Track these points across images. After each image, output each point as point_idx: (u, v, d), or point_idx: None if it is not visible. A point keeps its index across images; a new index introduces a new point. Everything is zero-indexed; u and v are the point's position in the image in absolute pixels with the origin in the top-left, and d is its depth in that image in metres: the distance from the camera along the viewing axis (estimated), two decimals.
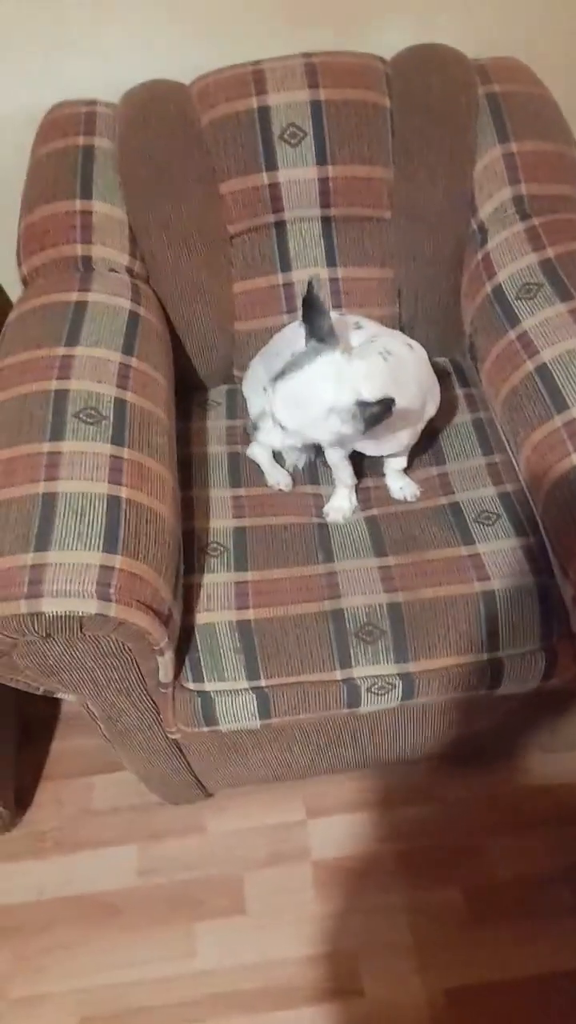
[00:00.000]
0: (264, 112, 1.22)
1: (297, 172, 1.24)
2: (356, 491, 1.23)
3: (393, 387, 1.01)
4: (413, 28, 1.31)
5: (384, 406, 0.94)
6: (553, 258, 1.16)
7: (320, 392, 0.99)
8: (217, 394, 1.43)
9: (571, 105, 1.31)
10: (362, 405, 0.96)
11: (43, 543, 0.90)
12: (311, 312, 1.00)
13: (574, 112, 1.31)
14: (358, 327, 1.15)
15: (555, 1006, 1.18)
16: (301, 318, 1.03)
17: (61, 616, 0.88)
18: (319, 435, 1.05)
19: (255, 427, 1.27)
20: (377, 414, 0.95)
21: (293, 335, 1.20)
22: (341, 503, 1.21)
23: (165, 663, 1.01)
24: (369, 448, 1.15)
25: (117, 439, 1.02)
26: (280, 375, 1.02)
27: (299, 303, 1.33)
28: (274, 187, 1.25)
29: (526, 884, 1.30)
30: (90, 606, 0.88)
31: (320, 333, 1.00)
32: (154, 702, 1.08)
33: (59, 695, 1.08)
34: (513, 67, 1.30)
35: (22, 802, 1.45)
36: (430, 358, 1.16)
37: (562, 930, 1.25)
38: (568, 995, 1.19)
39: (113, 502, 0.95)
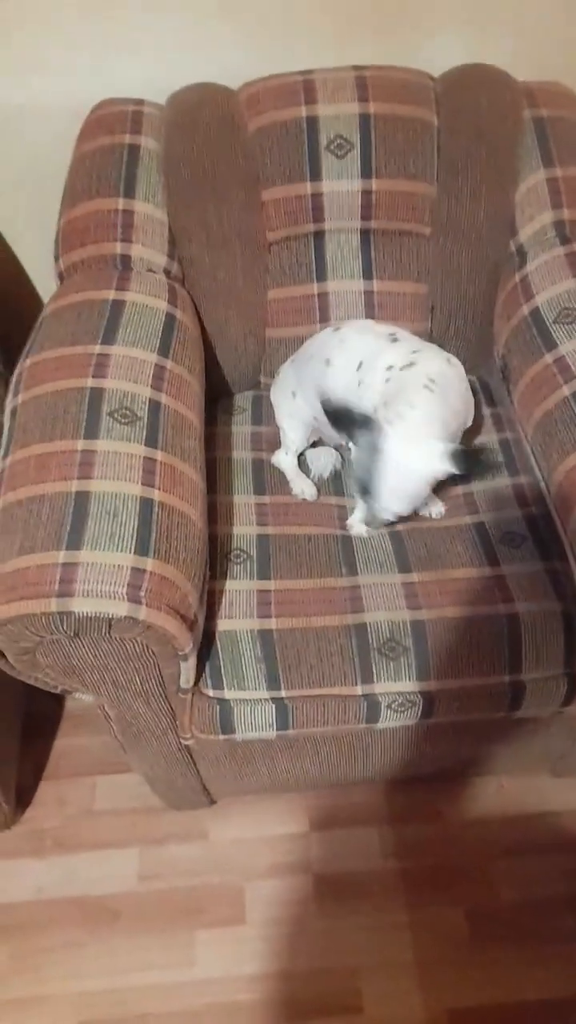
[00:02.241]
0: (312, 122, 1.22)
1: (341, 184, 1.24)
2: None
3: (449, 414, 1.06)
4: (462, 47, 1.32)
5: (476, 457, 1.02)
6: None
7: (410, 471, 1.03)
8: (243, 400, 1.43)
9: None
10: (456, 457, 1.00)
11: (75, 542, 0.89)
12: (339, 422, 1.07)
13: None
14: (394, 340, 1.15)
15: None
16: (331, 423, 1.08)
17: (91, 616, 0.87)
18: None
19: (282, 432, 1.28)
20: (476, 463, 1.03)
21: (326, 338, 1.20)
22: (365, 516, 1.21)
23: (187, 668, 1.00)
24: None
25: (151, 441, 1.01)
26: (362, 490, 1.05)
27: (333, 313, 1.34)
28: (316, 197, 1.25)
29: (530, 908, 1.29)
30: (120, 608, 0.87)
31: (358, 429, 1.04)
32: (171, 707, 1.07)
33: (76, 695, 1.07)
34: (560, 92, 1.30)
35: (23, 800, 1.44)
36: None
37: (565, 956, 1.24)
38: (569, 1022, 1.18)
39: (146, 504, 0.95)
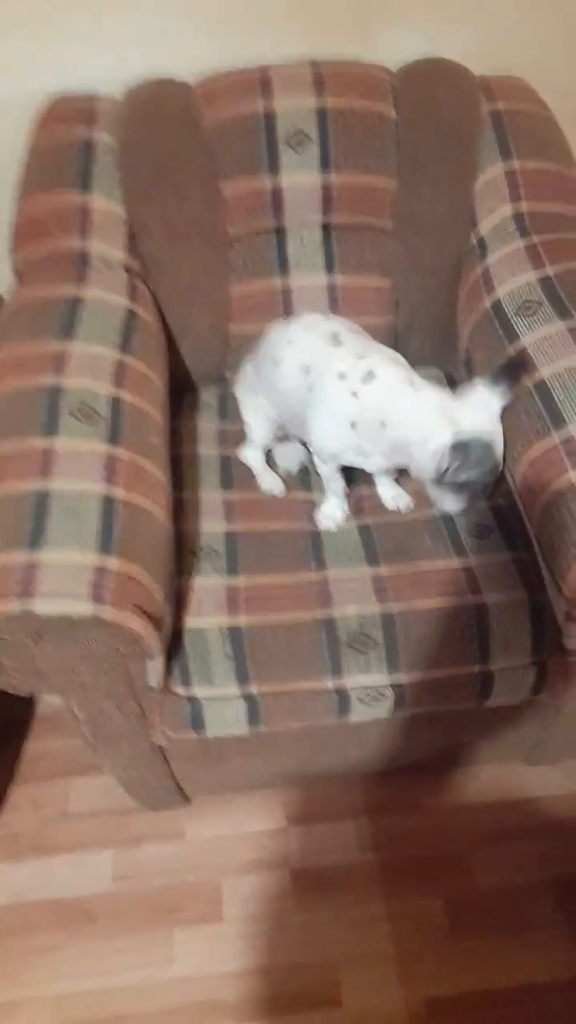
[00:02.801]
0: (270, 117, 1.21)
1: (300, 178, 1.24)
2: (349, 499, 1.23)
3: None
4: (420, 41, 1.31)
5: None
6: (552, 276, 1.17)
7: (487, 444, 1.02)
8: (209, 395, 1.42)
9: (570, 126, 1.32)
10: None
11: (36, 542, 0.88)
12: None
13: (573, 133, 1.32)
14: (337, 343, 1.09)
15: (535, 1018, 1.18)
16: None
17: (54, 617, 0.86)
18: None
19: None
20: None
21: (277, 335, 1.19)
22: (333, 511, 1.21)
23: (155, 668, 1.00)
24: (373, 464, 1.14)
25: (112, 438, 1.01)
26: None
27: (297, 308, 1.34)
28: (276, 192, 1.25)
29: (508, 895, 1.30)
30: (84, 608, 0.87)
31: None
32: (141, 707, 1.07)
33: (46, 696, 1.06)
34: (517, 86, 1.31)
35: None
36: (424, 368, 1.16)
37: (543, 942, 1.25)
38: (548, 1007, 1.19)
39: (108, 502, 0.94)
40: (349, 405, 1.06)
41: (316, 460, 1.19)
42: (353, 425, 1.07)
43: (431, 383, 1.06)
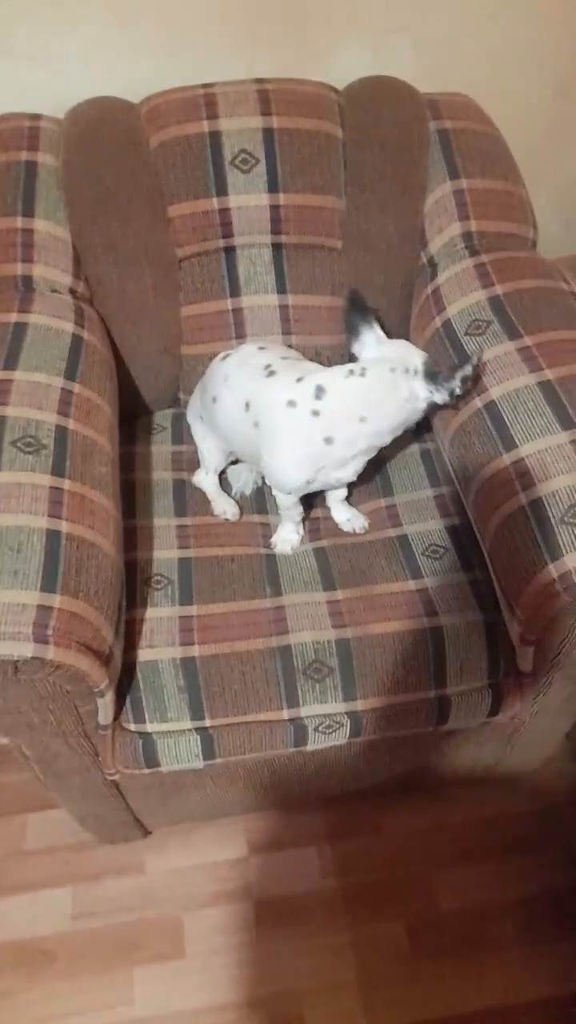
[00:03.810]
0: (215, 137, 1.20)
1: (248, 198, 1.23)
2: (304, 523, 1.21)
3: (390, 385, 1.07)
4: (367, 59, 1.31)
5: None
6: (501, 296, 1.17)
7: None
8: (162, 418, 1.40)
9: (514, 145, 1.33)
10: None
11: None
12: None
13: (517, 152, 1.33)
14: (271, 372, 1.09)
15: None
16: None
17: None
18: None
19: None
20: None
21: (213, 371, 1.18)
22: (289, 535, 1.19)
23: (105, 704, 0.97)
24: (336, 477, 1.13)
25: (58, 470, 0.98)
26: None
27: (249, 329, 1.32)
28: (224, 212, 1.23)
29: (470, 917, 1.29)
30: (26, 649, 0.84)
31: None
32: (92, 744, 1.04)
33: None
34: (463, 104, 1.31)
35: None
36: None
37: (505, 963, 1.25)
38: None
39: (52, 537, 0.91)
40: (315, 426, 1.05)
41: (276, 492, 1.17)
42: (328, 440, 1.06)
43: (361, 361, 1.09)
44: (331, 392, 1.04)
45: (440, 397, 1.06)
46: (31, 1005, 1.23)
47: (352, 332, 1.11)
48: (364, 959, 1.26)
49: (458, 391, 1.05)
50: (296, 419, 1.05)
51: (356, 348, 1.11)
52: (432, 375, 1.06)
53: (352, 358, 1.12)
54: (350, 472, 1.12)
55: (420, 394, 1.07)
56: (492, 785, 1.41)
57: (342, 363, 1.10)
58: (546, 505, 0.96)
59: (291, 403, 1.05)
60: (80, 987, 1.24)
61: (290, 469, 1.10)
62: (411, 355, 1.08)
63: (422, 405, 1.08)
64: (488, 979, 1.23)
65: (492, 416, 1.07)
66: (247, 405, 1.09)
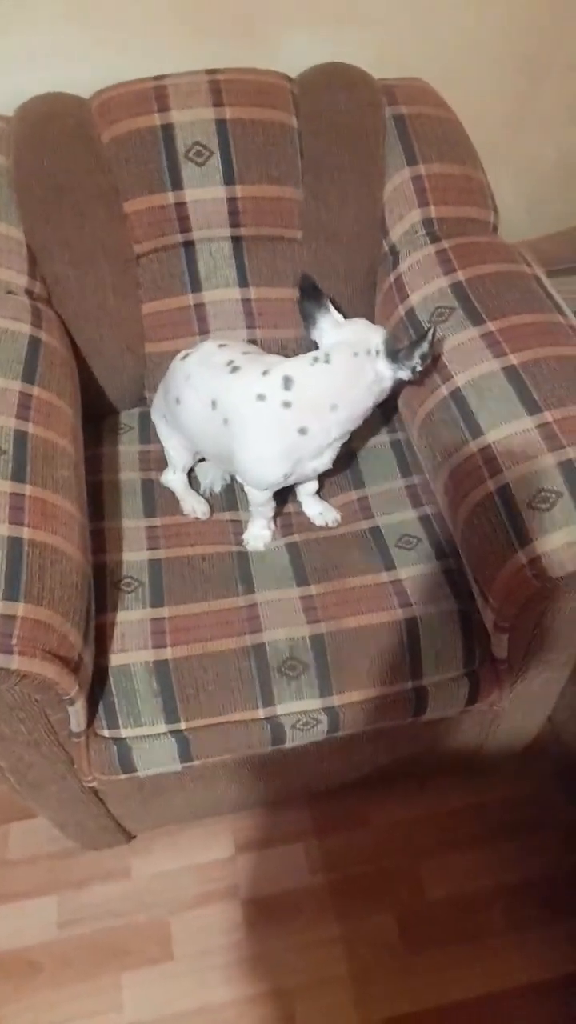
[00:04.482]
0: (168, 130, 1.17)
1: (204, 191, 1.21)
2: (276, 518, 1.20)
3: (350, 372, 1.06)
4: (320, 47, 1.29)
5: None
6: (464, 282, 1.16)
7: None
8: (129, 417, 1.38)
9: (475, 128, 1.32)
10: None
11: None
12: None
13: (478, 135, 1.32)
14: (234, 368, 1.08)
15: None
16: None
17: None
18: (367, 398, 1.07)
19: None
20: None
21: (173, 371, 1.16)
22: (261, 531, 1.18)
23: (76, 712, 0.95)
24: (312, 467, 1.11)
25: (17, 475, 0.96)
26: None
27: (212, 324, 1.31)
28: (181, 206, 1.21)
29: (458, 906, 1.29)
30: None
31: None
32: (67, 752, 1.02)
33: None
34: (419, 88, 1.30)
35: None
36: None
37: (496, 950, 1.25)
38: (507, 1015, 1.19)
39: (14, 544, 0.89)
40: (287, 417, 1.04)
41: (249, 489, 1.15)
42: (303, 431, 1.05)
43: (322, 347, 1.07)
44: (299, 382, 1.03)
45: (404, 374, 1.05)
46: (18, 1016, 1.21)
47: (308, 319, 1.09)
48: (355, 952, 1.25)
49: (419, 368, 1.04)
50: (268, 412, 1.04)
51: (315, 335, 1.09)
52: (393, 354, 1.04)
53: (315, 347, 1.11)
54: (326, 460, 1.11)
55: (384, 373, 1.05)
56: (477, 772, 1.41)
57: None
58: (514, 491, 0.95)
59: (260, 396, 1.03)
60: (68, 996, 1.23)
61: (267, 464, 1.08)
62: (370, 335, 1.06)
63: (388, 384, 1.07)
64: (480, 966, 1.23)
65: (458, 403, 1.06)
66: (214, 403, 1.08)
